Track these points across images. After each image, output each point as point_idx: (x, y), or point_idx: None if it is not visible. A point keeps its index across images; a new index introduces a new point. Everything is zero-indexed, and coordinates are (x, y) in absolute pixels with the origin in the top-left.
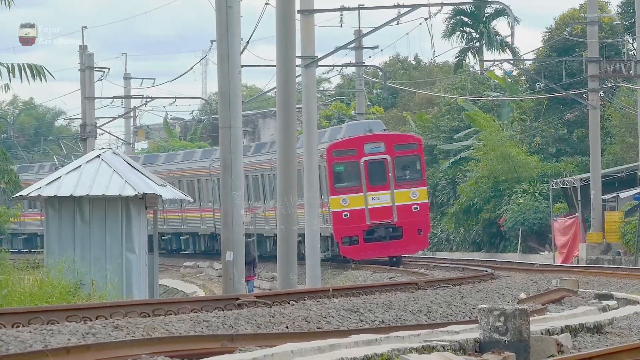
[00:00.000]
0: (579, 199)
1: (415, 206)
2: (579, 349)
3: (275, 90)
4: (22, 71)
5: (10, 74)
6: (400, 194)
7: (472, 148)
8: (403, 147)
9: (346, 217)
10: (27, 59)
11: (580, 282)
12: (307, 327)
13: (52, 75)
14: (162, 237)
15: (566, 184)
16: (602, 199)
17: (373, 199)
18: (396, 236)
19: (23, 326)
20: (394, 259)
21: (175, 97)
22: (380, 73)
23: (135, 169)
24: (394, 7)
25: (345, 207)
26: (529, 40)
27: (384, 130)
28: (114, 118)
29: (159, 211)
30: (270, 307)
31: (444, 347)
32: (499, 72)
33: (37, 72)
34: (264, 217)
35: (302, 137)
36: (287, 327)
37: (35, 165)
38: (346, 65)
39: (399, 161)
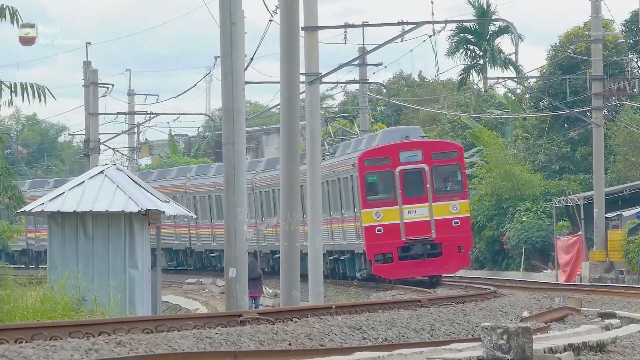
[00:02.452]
0: (582, 217)
1: (455, 221)
2: None
3: (278, 106)
4: (24, 90)
5: (13, 93)
6: (439, 207)
7: (475, 165)
8: (442, 156)
9: (379, 232)
10: (30, 74)
11: (583, 301)
12: (309, 345)
13: (52, 96)
14: (212, 254)
15: (569, 202)
16: (606, 217)
17: (409, 212)
18: (435, 254)
19: (26, 342)
20: (433, 279)
21: (179, 114)
22: (384, 90)
23: (138, 184)
24: (398, 24)
25: (379, 221)
26: (533, 58)
27: (422, 137)
28: (118, 134)
29: (210, 226)
30: (273, 324)
31: None
32: (501, 91)
33: (38, 92)
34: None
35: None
36: (289, 344)
37: (50, 181)
38: (350, 82)
39: (437, 171)
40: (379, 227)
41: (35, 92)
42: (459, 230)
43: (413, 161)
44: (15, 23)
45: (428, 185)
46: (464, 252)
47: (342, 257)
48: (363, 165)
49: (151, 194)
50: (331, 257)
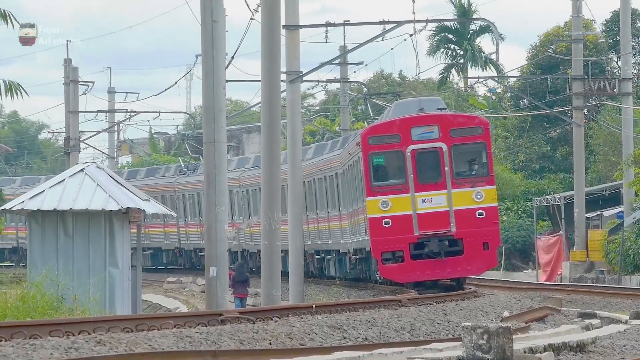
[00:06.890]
0: (563, 217)
1: (480, 211)
2: None
3: (259, 105)
4: None
5: None
6: (459, 194)
7: None
8: (464, 132)
9: (387, 225)
10: (8, 71)
11: (563, 301)
12: (290, 344)
13: (26, 93)
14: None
15: (550, 202)
16: (586, 217)
17: (423, 201)
18: (454, 251)
19: (5, 340)
20: (454, 281)
21: (159, 112)
22: (365, 89)
23: (118, 183)
24: (379, 23)
25: (387, 212)
26: (514, 58)
27: (440, 109)
28: (98, 132)
29: (233, 224)
30: (254, 323)
31: None
32: (481, 91)
33: (11, 88)
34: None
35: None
36: (270, 344)
37: (142, 170)
38: (331, 81)
39: (457, 151)
40: (386, 220)
41: (7, 88)
42: (484, 222)
43: (428, 139)
44: (9, 24)
45: (446, 169)
46: (491, 249)
47: (358, 257)
48: (367, 144)
49: (132, 192)
50: (355, 257)
